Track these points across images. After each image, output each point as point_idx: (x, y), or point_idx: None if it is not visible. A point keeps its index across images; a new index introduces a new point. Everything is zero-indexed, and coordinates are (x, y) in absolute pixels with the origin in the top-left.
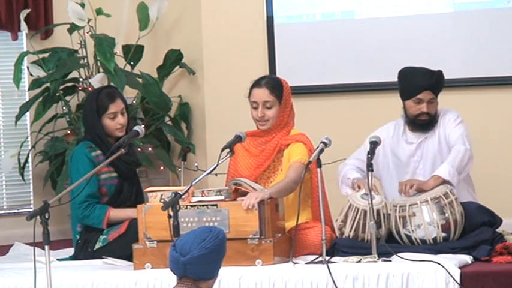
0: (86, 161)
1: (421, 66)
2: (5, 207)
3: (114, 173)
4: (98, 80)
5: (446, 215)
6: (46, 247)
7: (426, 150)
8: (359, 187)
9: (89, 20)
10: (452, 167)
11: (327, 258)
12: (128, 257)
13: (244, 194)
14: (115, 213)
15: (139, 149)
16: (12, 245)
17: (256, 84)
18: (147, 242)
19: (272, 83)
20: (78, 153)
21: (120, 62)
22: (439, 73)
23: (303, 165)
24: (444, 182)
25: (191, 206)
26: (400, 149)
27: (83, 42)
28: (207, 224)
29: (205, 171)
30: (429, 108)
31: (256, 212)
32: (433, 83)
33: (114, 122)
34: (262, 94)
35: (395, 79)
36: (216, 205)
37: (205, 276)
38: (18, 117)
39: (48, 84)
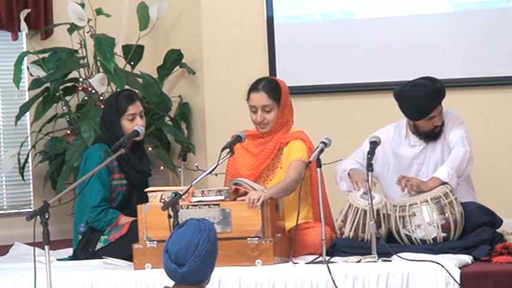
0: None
1: (419, 83)
2: (5, 207)
3: (124, 180)
4: (98, 80)
5: (446, 215)
6: (46, 247)
7: (429, 155)
8: (357, 183)
9: (89, 20)
10: (452, 168)
11: (327, 258)
12: (129, 257)
13: (244, 194)
14: (125, 219)
15: None
16: (12, 245)
17: (254, 88)
18: (147, 242)
19: (270, 87)
20: (93, 156)
21: (120, 62)
22: (443, 87)
23: (303, 163)
24: (443, 183)
25: (193, 205)
26: (402, 152)
27: (83, 42)
28: None
29: (205, 171)
30: (440, 118)
31: (259, 211)
32: (441, 98)
33: (133, 124)
34: (261, 99)
35: (395, 79)
36: (218, 204)
37: (203, 279)
38: (18, 117)
39: (48, 84)
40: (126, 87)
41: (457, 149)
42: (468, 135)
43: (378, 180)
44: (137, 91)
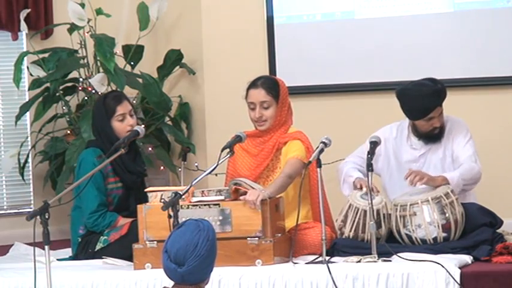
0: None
1: (420, 83)
2: (5, 207)
3: (119, 183)
4: (98, 80)
5: (447, 215)
6: (46, 247)
7: (430, 159)
8: (361, 187)
9: (89, 20)
10: (463, 179)
11: (327, 258)
12: (129, 258)
13: (244, 194)
14: (123, 221)
15: None
16: (12, 245)
17: (253, 85)
18: (147, 242)
19: (268, 83)
20: (87, 161)
21: (120, 62)
22: (444, 88)
23: (299, 161)
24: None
25: (193, 205)
26: (403, 153)
27: (83, 42)
28: None
29: (205, 171)
30: (440, 120)
31: (259, 211)
32: (442, 100)
33: (124, 124)
34: (259, 94)
35: (395, 79)
36: (218, 204)
37: (202, 279)
38: (18, 117)
39: (48, 84)
40: (114, 87)
41: (472, 165)
42: (476, 149)
43: (381, 178)
44: (137, 91)
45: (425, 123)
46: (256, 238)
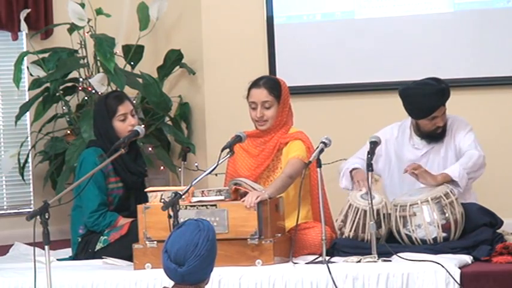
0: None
1: (424, 82)
2: (5, 207)
3: (120, 183)
4: (98, 80)
5: (447, 215)
6: (46, 247)
7: (432, 158)
8: (359, 183)
9: (89, 20)
10: (464, 169)
11: (327, 258)
12: (129, 258)
13: (244, 194)
14: (123, 221)
15: None
16: (12, 245)
17: (255, 84)
18: (147, 242)
19: (270, 83)
20: (88, 161)
21: (120, 62)
22: (447, 88)
23: (299, 161)
24: (452, 181)
25: (191, 206)
26: (405, 153)
27: (83, 42)
28: None
29: (205, 171)
30: (443, 119)
31: (255, 212)
32: (445, 99)
33: (125, 124)
34: (261, 94)
35: (395, 79)
36: (215, 205)
37: (202, 279)
38: (18, 117)
39: (48, 84)
40: (114, 87)
41: (471, 151)
42: (478, 140)
43: (382, 178)
44: (137, 91)
45: (429, 123)
46: (256, 238)
